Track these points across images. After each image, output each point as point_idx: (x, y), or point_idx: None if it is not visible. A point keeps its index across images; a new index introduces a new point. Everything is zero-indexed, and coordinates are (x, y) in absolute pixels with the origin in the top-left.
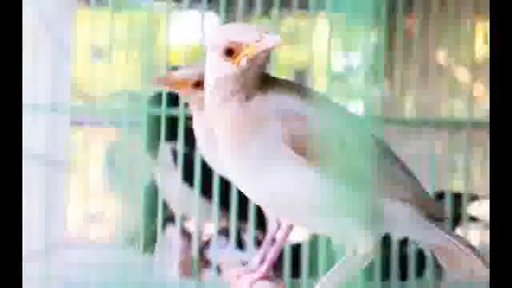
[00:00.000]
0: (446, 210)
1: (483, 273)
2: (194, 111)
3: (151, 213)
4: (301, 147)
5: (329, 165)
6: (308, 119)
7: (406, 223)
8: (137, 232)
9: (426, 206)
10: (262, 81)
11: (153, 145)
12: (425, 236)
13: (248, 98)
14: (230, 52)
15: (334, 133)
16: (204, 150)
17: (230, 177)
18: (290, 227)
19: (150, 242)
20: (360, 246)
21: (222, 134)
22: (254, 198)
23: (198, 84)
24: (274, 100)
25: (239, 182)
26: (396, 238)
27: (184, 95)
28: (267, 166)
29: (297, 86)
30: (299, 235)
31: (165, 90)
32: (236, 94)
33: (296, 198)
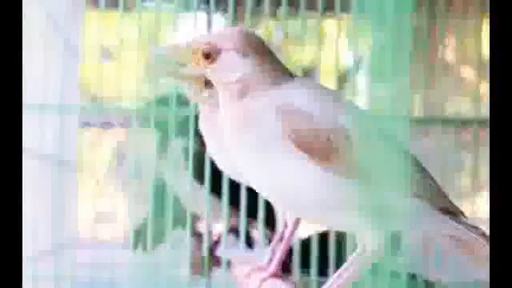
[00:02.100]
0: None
1: None
2: (202, 110)
3: (161, 212)
4: (303, 143)
5: (332, 161)
6: (313, 116)
7: (419, 218)
8: (146, 231)
9: (439, 200)
10: (267, 79)
11: (163, 144)
12: (438, 228)
13: (240, 94)
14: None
15: (340, 130)
16: (210, 149)
17: (234, 173)
18: (296, 225)
19: (160, 242)
20: (369, 243)
21: (225, 131)
22: (260, 192)
23: (207, 82)
24: (271, 96)
25: (244, 175)
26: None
27: (193, 93)
28: (266, 160)
29: (307, 83)
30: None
31: (174, 88)
32: (225, 92)
33: (299, 194)
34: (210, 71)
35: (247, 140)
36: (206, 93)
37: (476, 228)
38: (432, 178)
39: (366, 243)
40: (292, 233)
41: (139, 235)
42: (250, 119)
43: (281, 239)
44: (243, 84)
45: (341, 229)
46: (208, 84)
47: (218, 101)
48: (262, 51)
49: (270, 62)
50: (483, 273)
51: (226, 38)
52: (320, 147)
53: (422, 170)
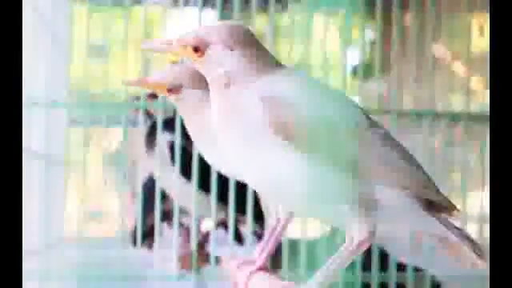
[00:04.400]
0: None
1: (483, 265)
2: (182, 110)
3: (149, 208)
4: (288, 133)
5: (317, 151)
6: (296, 105)
7: (402, 212)
8: (135, 228)
9: (428, 194)
10: (253, 71)
11: (151, 140)
12: (423, 227)
13: (228, 85)
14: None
15: (323, 119)
16: (198, 144)
17: (224, 167)
18: (288, 220)
19: (149, 237)
20: (355, 234)
21: (214, 123)
22: (248, 183)
23: (171, 90)
24: (256, 87)
25: (232, 168)
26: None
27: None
28: (253, 151)
29: (293, 73)
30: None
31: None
32: (213, 84)
33: (286, 185)
34: (200, 64)
35: (234, 131)
36: (172, 98)
37: (460, 230)
38: (421, 169)
39: (353, 234)
40: (283, 228)
41: (133, 235)
42: (236, 111)
43: (272, 233)
44: (229, 77)
45: (329, 221)
46: (171, 91)
47: (189, 104)
48: (248, 43)
49: (256, 53)
50: (470, 271)
51: (213, 32)
52: (305, 137)
53: (410, 160)
